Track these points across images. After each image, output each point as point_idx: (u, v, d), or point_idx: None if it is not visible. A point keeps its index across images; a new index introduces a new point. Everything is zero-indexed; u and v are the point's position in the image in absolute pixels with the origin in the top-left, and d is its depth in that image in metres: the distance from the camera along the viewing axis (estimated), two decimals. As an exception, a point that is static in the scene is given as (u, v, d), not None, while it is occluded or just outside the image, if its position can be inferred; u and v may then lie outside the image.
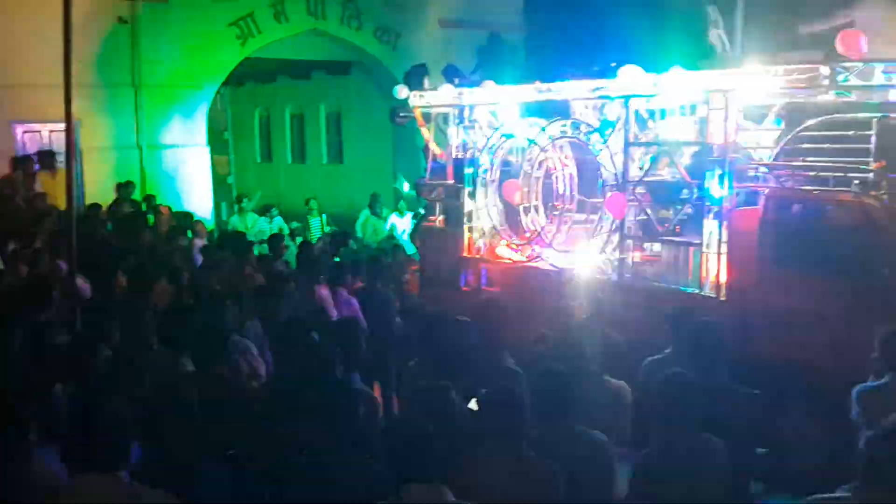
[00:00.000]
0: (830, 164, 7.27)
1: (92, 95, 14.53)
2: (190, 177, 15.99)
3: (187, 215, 13.15)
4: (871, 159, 7.10)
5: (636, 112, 8.86)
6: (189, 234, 12.16)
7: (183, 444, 4.10)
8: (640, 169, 8.77)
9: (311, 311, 6.75)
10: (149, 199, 14.55)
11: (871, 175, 6.96)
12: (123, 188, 14.13)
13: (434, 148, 11.51)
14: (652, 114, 8.99)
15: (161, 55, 15.48)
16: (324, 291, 7.92)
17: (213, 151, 17.63)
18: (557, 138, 9.55)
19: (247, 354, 5.79)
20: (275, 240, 10.64)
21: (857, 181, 6.99)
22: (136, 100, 15.53)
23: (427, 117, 11.56)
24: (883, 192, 6.84)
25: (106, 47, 15.04)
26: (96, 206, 12.91)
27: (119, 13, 15.17)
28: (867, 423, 5.23)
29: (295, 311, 6.89)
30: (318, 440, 4.16)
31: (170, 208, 13.99)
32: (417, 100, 11.38)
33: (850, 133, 7.26)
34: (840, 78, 7.00)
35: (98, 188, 14.41)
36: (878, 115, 7.18)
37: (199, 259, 10.56)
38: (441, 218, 11.48)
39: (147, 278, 7.92)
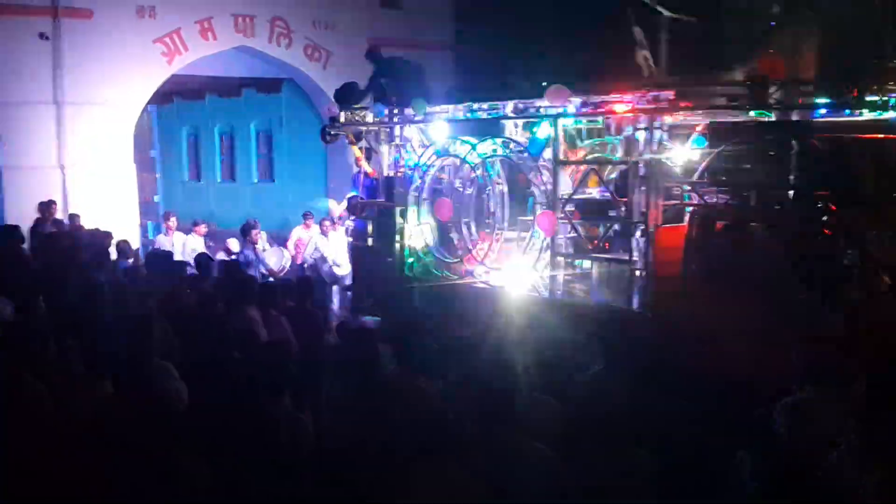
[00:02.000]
0: (752, 183, 7.47)
1: (13, 113, 14.14)
2: (115, 196, 15.63)
3: (110, 235, 12.83)
4: (791, 177, 7.32)
5: (565, 131, 9.00)
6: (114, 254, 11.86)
7: (104, 468, 3.99)
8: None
9: (239, 333, 6.64)
10: (73, 218, 14.18)
11: (791, 193, 7.18)
12: (45, 208, 13.75)
13: (365, 166, 11.50)
14: (580, 132, 9.14)
15: (84, 72, 15.15)
16: (253, 312, 7.81)
17: (139, 170, 17.29)
18: (489, 157, 9.63)
19: (169, 377, 5.67)
20: (202, 259, 10.45)
21: (778, 199, 7.19)
22: (59, 118, 15.16)
23: (358, 135, 11.54)
24: (803, 208, 7.05)
25: (27, 64, 14.67)
26: (14, 226, 12.52)
27: (40, 29, 14.82)
28: (790, 436, 5.36)
29: (222, 332, 6.77)
30: (241, 465, 4.09)
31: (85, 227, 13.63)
32: (348, 118, 11.37)
33: (771, 152, 7.48)
34: (761, 99, 7.20)
35: (20, 208, 14.01)
36: (799, 134, 7.42)
37: (124, 279, 10.32)
38: (373, 237, 11.45)
39: (70, 300, 7.71)
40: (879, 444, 4.29)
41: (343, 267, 13.44)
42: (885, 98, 7.16)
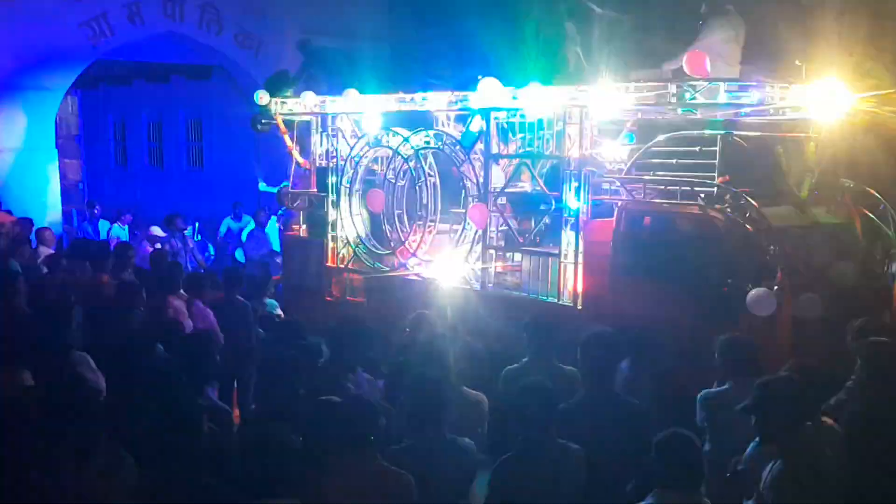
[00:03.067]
0: (678, 179, 7.59)
1: (-72, 96, 13.57)
2: (36, 182, 15.13)
3: (30, 222, 12.41)
4: (715, 174, 7.46)
5: (497, 124, 9.01)
6: (34, 242, 11.50)
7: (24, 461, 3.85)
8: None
9: (162, 323, 6.48)
10: (-9, 204, 13.70)
11: (715, 189, 7.32)
12: (-38, 193, 13.24)
13: (296, 156, 11.36)
14: (512, 126, 9.17)
15: (5, 54, 14.60)
16: (177, 302, 7.64)
17: (64, 156, 16.77)
18: (421, 149, 9.60)
19: (87, 368, 5.50)
20: (122, 248, 10.15)
21: (702, 195, 7.33)
22: (-22, 100, 14.61)
23: (289, 125, 11.39)
24: (726, 205, 7.19)
25: (-57, 44, 14.11)
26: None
27: (-42, 9, 14.25)
28: (710, 428, 5.46)
29: (144, 323, 6.60)
30: (160, 458, 3.99)
31: (11, 213, 13.19)
32: (279, 107, 11.21)
33: (697, 149, 7.61)
34: (687, 96, 7.32)
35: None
36: (722, 132, 7.56)
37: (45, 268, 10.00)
38: (304, 227, 11.33)
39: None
40: (777, 436, 4.40)
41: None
42: (807, 98, 7.35)
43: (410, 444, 4.52)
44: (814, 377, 4.92)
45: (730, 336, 5.63)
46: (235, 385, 8.20)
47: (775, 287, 6.59)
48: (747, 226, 6.99)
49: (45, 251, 10.97)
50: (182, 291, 8.11)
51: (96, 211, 14.67)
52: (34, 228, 12.00)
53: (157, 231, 13.11)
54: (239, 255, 14.02)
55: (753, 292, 6.49)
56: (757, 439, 4.66)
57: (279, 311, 9.68)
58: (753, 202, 7.04)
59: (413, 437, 4.58)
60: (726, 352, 5.56)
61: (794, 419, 4.39)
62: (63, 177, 16.58)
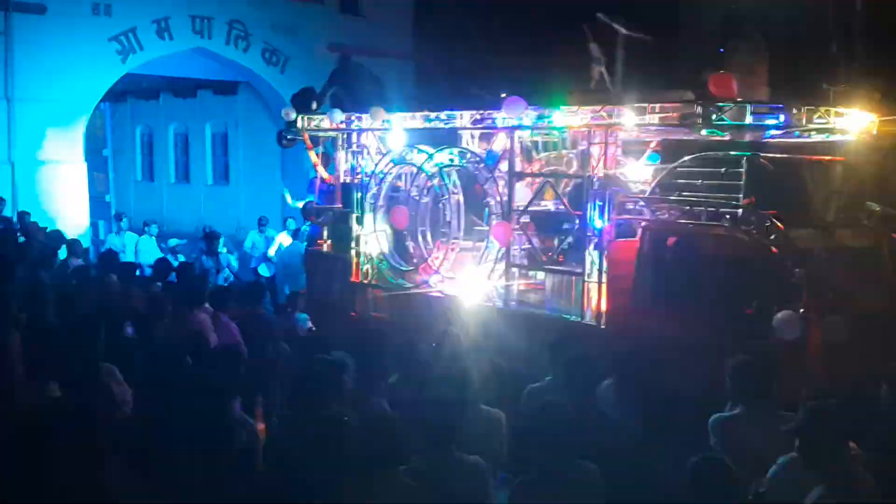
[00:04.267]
0: (703, 200, 7.57)
1: (-38, 108, 13.83)
2: (65, 194, 15.34)
3: (59, 234, 12.56)
4: (741, 195, 7.43)
5: (522, 143, 9.03)
6: (63, 253, 11.62)
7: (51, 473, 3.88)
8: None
9: (187, 337, 6.52)
10: (22, 216, 13.87)
11: (740, 211, 7.28)
12: (-7, 205, 13.43)
13: (322, 172, 11.43)
14: (536, 145, 9.19)
15: (36, 68, 14.84)
16: (202, 316, 7.69)
17: (91, 169, 16.98)
18: (445, 166, 9.63)
19: (114, 381, 5.54)
20: (163, 264, 10.25)
21: (727, 216, 7.30)
22: (9, 113, 14.83)
23: (315, 141, 11.47)
24: (752, 226, 7.15)
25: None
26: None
27: (-7, 23, 14.51)
28: (723, 451, 5.37)
29: (170, 336, 6.65)
30: (191, 470, 4.01)
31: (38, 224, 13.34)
32: (305, 123, 11.29)
33: (722, 170, 7.59)
34: (713, 117, 7.30)
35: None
36: (748, 153, 7.54)
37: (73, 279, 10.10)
38: (329, 242, 11.39)
39: (15, 299, 7.52)
40: (822, 461, 4.36)
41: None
42: (834, 121, 7.33)
43: (417, 463, 4.50)
44: (852, 402, 4.87)
45: (740, 359, 5.53)
46: (260, 399, 8.22)
47: (800, 310, 6.54)
48: (772, 248, 6.94)
49: (75, 263, 11.08)
50: (207, 305, 8.16)
51: (122, 223, 14.79)
52: (64, 240, 12.12)
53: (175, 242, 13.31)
54: (263, 269, 14.09)
55: (781, 314, 6.44)
56: (780, 461, 4.62)
57: (310, 325, 9.71)
58: (779, 224, 7.00)
59: (421, 455, 4.55)
60: (737, 375, 5.47)
61: (840, 445, 4.35)
62: (91, 189, 16.78)
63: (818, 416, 4.43)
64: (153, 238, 14.27)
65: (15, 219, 13.90)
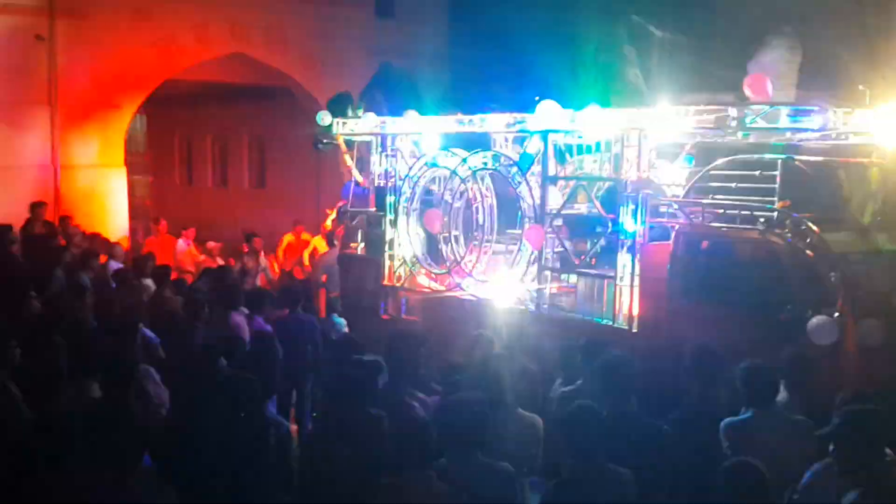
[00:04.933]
0: (738, 203, 7.51)
1: (6, 112, 14.09)
2: (106, 198, 15.59)
3: (100, 237, 12.78)
4: (775, 198, 7.36)
5: (555, 146, 9.03)
6: (104, 256, 11.83)
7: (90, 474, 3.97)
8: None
9: (224, 339, 6.62)
10: (63, 219, 14.13)
11: (775, 214, 7.21)
12: (37, 208, 13.68)
13: (356, 175, 11.51)
14: (570, 148, 9.18)
15: (79, 73, 15.12)
16: (238, 318, 7.79)
17: (131, 173, 17.25)
18: (478, 170, 9.65)
19: (151, 382, 5.65)
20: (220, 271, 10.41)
21: (762, 219, 7.23)
22: (52, 118, 15.13)
23: (350, 144, 11.56)
24: (787, 230, 7.08)
25: (22, 64, 14.64)
26: (7, 226, 12.46)
27: (36, 30, 14.79)
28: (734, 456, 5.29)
29: (207, 338, 6.75)
30: (227, 470, 4.08)
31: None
32: (340, 127, 11.39)
33: (757, 173, 7.52)
34: (748, 120, 7.25)
35: (11, 208, 13.95)
36: (783, 156, 7.47)
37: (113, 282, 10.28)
38: (362, 245, 11.46)
39: (60, 302, 7.69)
40: (858, 466, 4.32)
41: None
42: (870, 123, 7.23)
43: (443, 466, 4.51)
44: (888, 407, 4.81)
45: (751, 364, 5.47)
46: (294, 400, 8.31)
47: (836, 314, 6.46)
48: (808, 252, 6.87)
49: (115, 266, 11.27)
50: (243, 308, 8.27)
51: (160, 226, 15.00)
52: (104, 243, 12.34)
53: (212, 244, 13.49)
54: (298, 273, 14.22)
55: (815, 320, 6.37)
56: (814, 469, 4.58)
57: (346, 329, 9.78)
58: (814, 227, 6.92)
59: (447, 458, 4.56)
60: (748, 380, 5.42)
61: (877, 450, 4.31)
62: (131, 193, 17.05)
63: (854, 421, 4.39)
64: (189, 244, 14.47)
65: (57, 223, 14.17)
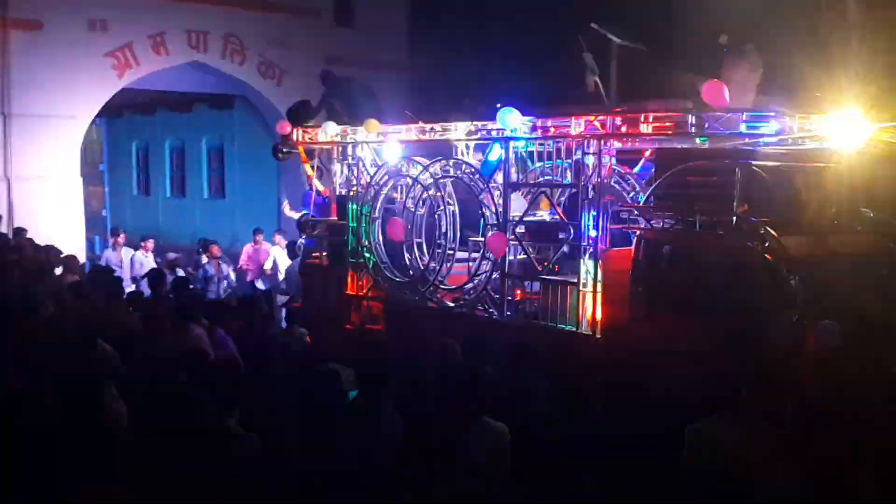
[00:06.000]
0: (698, 208, 7.59)
1: (-42, 124, 13.84)
2: (61, 209, 15.33)
3: (55, 249, 12.54)
4: (735, 203, 7.45)
5: (516, 153, 9.07)
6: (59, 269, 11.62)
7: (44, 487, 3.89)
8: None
9: (184, 352, 6.53)
10: (18, 232, 13.87)
11: (735, 218, 7.30)
12: (-12, 221, 13.42)
13: (317, 185, 11.46)
14: (531, 155, 9.22)
15: (32, 84, 14.87)
16: (198, 330, 7.69)
17: (87, 183, 16.99)
18: (440, 177, 9.66)
19: (110, 397, 5.55)
20: (155, 274, 10.26)
21: (722, 224, 7.32)
22: (5, 128, 14.86)
23: (310, 153, 11.51)
24: (746, 234, 7.17)
25: (-26, 74, 14.40)
26: (-43, 239, 12.21)
27: (-11, 39, 14.54)
28: (696, 463, 5.34)
29: (166, 351, 6.66)
30: (190, 486, 4.02)
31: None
32: (300, 136, 11.33)
33: (715, 179, 7.61)
34: (706, 126, 7.34)
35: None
36: (742, 161, 7.56)
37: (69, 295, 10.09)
38: (325, 255, 11.41)
39: (10, 317, 7.53)
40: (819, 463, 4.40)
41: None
42: (826, 129, 7.36)
43: (412, 475, 4.49)
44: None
45: (711, 368, 5.54)
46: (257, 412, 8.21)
47: (795, 317, 6.56)
48: (767, 255, 6.97)
49: (71, 279, 11.08)
50: (203, 319, 8.17)
51: (120, 239, 14.79)
52: (58, 255, 12.12)
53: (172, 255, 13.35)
54: (259, 283, 14.11)
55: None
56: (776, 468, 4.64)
57: (308, 339, 9.69)
58: (773, 232, 7.03)
59: (413, 471, 4.55)
60: (708, 384, 5.48)
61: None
62: (87, 204, 16.79)
63: (815, 421, 4.46)
64: (149, 255, 14.28)
65: (10, 235, 13.90)
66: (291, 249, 13.44)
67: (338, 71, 12.38)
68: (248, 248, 14.91)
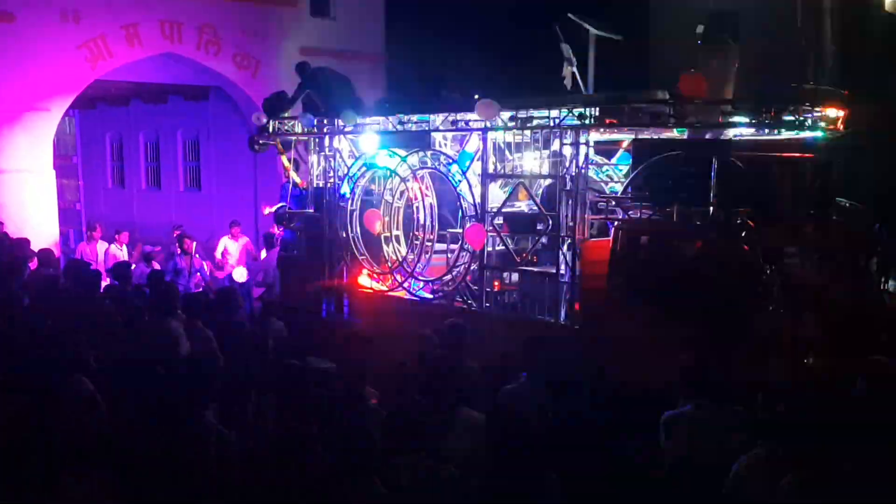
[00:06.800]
0: (675, 199, 7.62)
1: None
2: (35, 203, 15.16)
3: (28, 242, 12.41)
4: (711, 194, 7.48)
5: (494, 144, 9.06)
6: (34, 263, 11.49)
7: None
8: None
9: (161, 346, 6.48)
10: (-10, 226, 13.71)
11: (711, 210, 7.34)
12: (-40, 215, 13.25)
13: (294, 177, 11.41)
14: (508, 146, 9.22)
15: (4, 76, 14.67)
16: (175, 324, 7.64)
17: (61, 176, 16.81)
18: (418, 169, 9.64)
19: (84, 391, 5.50)
20: (121, 268, 10.17)
21: (699, 215, 7.35)
22: (-24, 121, 14.68)
23: (287, 145, 11.44)
24: (723, 225, 7.20)
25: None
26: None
27: (-41, 30, 14.33)
28: (672, 451, 5.39)
29: (143, 345, 6.61)
30: (164, 481, 4.00)
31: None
32: (277, 127, 11.27)
33: (692, 169, 7.63)
34: (683, 116, 7.37)
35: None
36: (718, 152, 7.59)
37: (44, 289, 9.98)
38: (302, 247, 11.36)
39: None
40: (789, 454, 4.44)
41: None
42: (802, 118, 7.41)
43: (391, 471, 4.47)
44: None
45: (687, 356, 5.58)
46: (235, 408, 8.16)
47: (771, 308, 6.60)
48: (743, 246, 7.01)
49: (46, 272, 10.96)
50: (180, 313, 8.11)
51: (95, 233, 14.66)
52: (34, 250, 11.99)
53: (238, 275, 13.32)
54: (238, 274, 14.02)
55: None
56: (742, 460, 4.67)
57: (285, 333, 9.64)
58: (749, 222, 7.07)
59: (393, 464, 4.53)
60: (685, 374, 5.53)
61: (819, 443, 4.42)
62: (61, 197, 16.61)
63: (796, 408, 4.49)
64: (123, 248, 14.16)
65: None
66: (269, 241, 13.39)
67: (314, 61, 12.31)
68: (224, 241, 14.84)
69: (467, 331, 7.07)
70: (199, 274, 13.14)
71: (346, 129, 10.34)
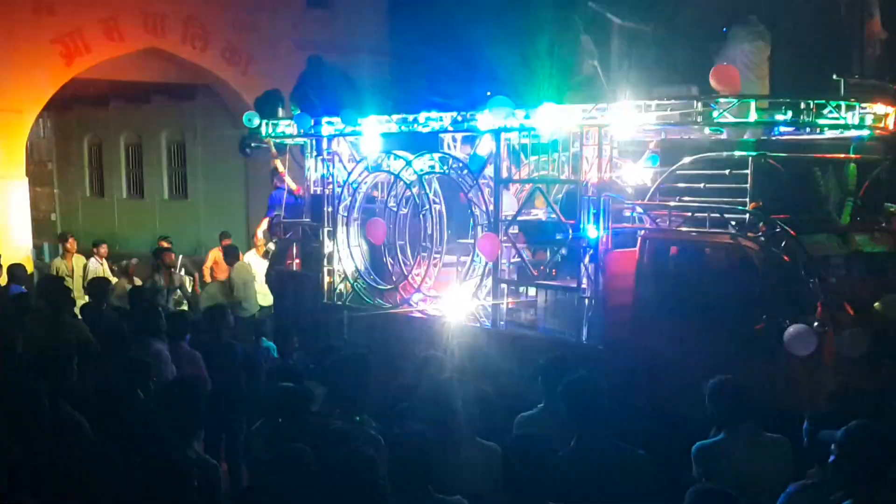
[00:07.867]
0: (706, 205, 7.64)
1: None
2: (5, 213, 15.28)
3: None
4: (747, 199, 7.50)
5: (508, 146, 9.09)
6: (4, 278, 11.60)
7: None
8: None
9: (141, 368, 6.51)
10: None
11: (747, 216, 7.35)
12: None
13: (289, 183, 11.46)
14: (525, 148, 9.24)
15: (-28, 74, 14.85)
16: (158, 346, 7.68)
17: (34, 185, 16.95)
18: (425, 173, 9.68)
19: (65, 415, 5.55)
20: (98, 284, 10.23)
21: (733, 222, 7.37)
22: (-58, 124, 14.83)
23: (281, 148, 11.50)
24: (760, 233, 7.22)
25: None
26: None
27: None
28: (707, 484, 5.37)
29: (122, 368, 6.64)
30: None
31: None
32: (271, 129, 11.33)
33: (726, 172, 7.66)
34: (714, 114, 7.38)
35: None
36: (755, 153, 7.61)
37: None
38: (298, 260, 11.40)
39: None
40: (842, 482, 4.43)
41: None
42: (846, 115, 7.41)
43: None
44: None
45: (719, 379, 5.55)
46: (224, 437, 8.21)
47: (815, 323, 6.59)
48: (783, 256, 7.01)
49: (17, 289, 11.06)
50: (163, 334, 8.15)
51: (70, 245, 14.76)
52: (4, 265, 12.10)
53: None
54: None
55: (792, 329, 6.50)
56: (790, 490, 4.67)
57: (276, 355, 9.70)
58: (790, 230, 7.06)
59: (396, 496, 4.55)
60: (717, 398, 5.50)
61: (878, 469, 4.41)
62: (34, 207, 16.75)
63: (857, 435, 4.48)
64: (103, 263, 14.24)
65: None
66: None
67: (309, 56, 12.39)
68: (214, 253, 14.90)
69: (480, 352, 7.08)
70: (178, 291, 13.15)
71: (346, 131, 10.38)
